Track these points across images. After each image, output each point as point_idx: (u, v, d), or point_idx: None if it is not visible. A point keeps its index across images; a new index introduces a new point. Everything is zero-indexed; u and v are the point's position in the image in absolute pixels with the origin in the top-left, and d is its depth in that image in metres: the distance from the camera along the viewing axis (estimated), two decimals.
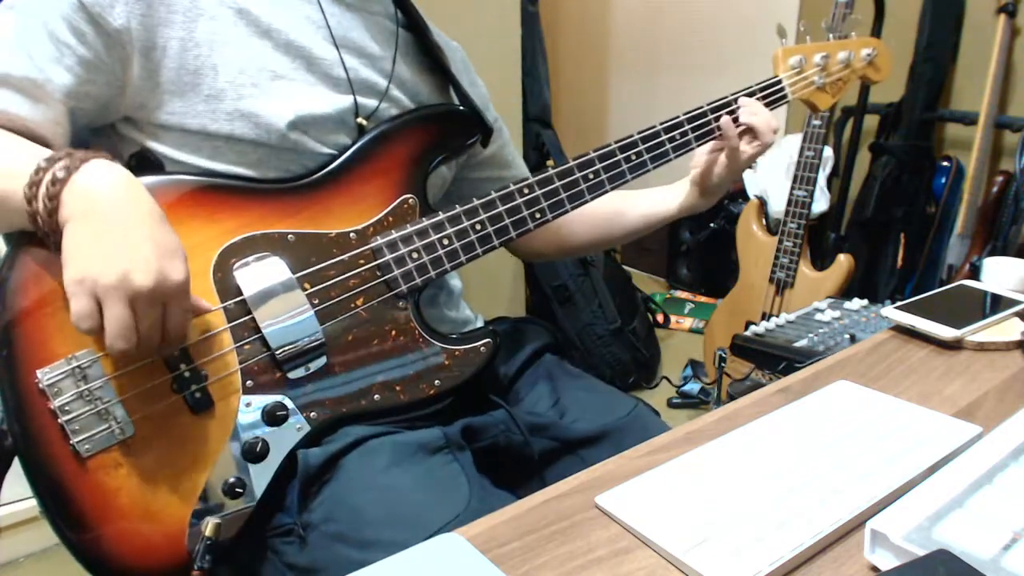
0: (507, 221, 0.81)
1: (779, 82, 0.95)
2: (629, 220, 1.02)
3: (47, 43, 0.68)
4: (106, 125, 0.75)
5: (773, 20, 2.62)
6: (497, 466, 0.79)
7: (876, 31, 1.98)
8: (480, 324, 0.95)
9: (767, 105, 0.93)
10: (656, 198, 1.01)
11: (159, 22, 0.70)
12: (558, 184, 0.83)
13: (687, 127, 0.89)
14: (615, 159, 0.86)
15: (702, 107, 0.90)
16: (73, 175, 0.62)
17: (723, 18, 2.80)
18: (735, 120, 0.89)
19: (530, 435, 0.82)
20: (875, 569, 0.48)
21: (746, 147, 0.90)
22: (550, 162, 2.52)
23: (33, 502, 0.64)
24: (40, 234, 0.63)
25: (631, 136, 0.87)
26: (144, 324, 0.61)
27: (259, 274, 0.71)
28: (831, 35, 0.99)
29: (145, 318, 0.61)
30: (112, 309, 0.60)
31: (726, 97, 0.91)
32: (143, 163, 0.74)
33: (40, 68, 0.68)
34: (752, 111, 0.90)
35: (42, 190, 0.61)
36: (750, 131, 0.90)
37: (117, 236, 0.60)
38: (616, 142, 0.86)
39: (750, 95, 0.92)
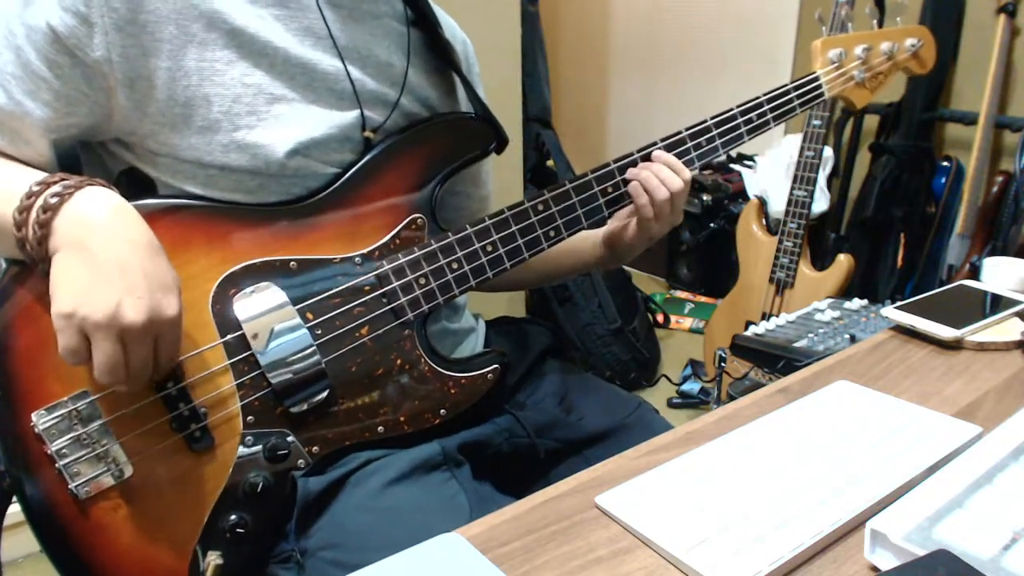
0: (520, 241, 0.77)
1: (816, 79, 0.89)
2: (559, 260, 0.95)
3: (22, 76, 0.64)
4: (95, 142, 0.73)
5: (773, 20, 2.63)
6: (501, 471, 0.79)
7: (880, 20, 1.98)
8: (482, 330, 0.93)
9: (803, 104, 0.88)
10: (584, 242, 0.93)
11: (144, 52, 0.65)
12: (575, 199, 0.79)
13: (714, 132, 0.85)
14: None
15: (733, 109, 0.86)
16: (65, 202, 0.59)
17: (723, 18, 2.80)
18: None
19: (537, 435, 0.81)
20: (875, 569, 0.48)
21: (648, 210, 0.81)
22: (550, 162, 2.52)
23: None
24: (28, 261, 0.61)
25: (654, 144, 0.83)
26: (134, 360, 0.59)
27: (259, 305, 0.68)
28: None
29: (135, 354, 0.59)
30: (101, 345, 0.57)
31: (729, 109, 0.86)
32: (133, 181, 0.71)
33: (17, 102, 0.65)
34: (643, 169, 0.81)
35: (32, 216, 0.59)
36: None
37: (108, 268, 0.57)
38: (639, 151, 0.82)
39: (783, 94, 0.88)
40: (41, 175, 0.62)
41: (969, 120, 2.13)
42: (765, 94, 0.88)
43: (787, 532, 0.50)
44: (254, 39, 0.69)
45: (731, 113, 0.86)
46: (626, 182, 0.82)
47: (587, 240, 0.94)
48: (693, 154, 0.85)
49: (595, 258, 0.93)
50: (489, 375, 0.77)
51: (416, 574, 0.48)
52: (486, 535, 0.53)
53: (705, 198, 2.64)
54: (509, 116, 2.00)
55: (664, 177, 0.81)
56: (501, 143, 0.83)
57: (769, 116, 0.88)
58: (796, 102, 0.89)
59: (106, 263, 0.58)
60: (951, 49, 2.18)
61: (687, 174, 0.82)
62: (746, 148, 2.66)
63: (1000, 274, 0.94)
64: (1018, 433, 0.57)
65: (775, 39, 2.64)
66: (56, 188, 0.60)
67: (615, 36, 3.25)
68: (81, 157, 0.76)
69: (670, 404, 2.17)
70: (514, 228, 0.77)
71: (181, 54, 0.67)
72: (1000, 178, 1.99)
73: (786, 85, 0.89)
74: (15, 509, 0.76)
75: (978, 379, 0.73)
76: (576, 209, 0.80)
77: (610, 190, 0.81)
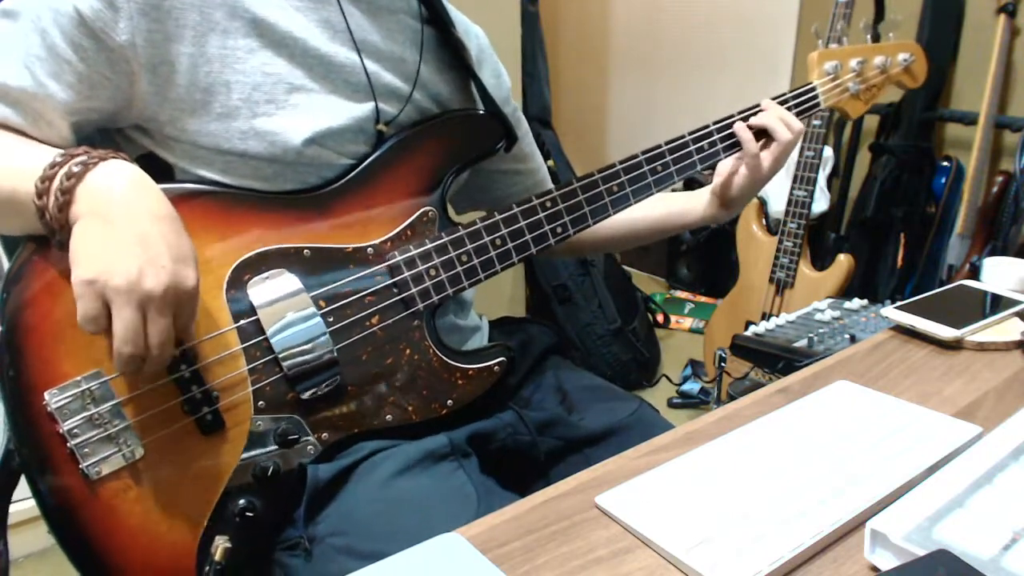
0: (528, 237, 0.79)
1: (812, 89, 0.92)
2: (644, 226, 0.99)
3: (47, 57, 0.65)
4: (113, 128, 0.74)
5: (772, 20, 2.63)
6: (503, 467, 0.79)
7: (876, 31, 1.98)
8: (485, 329, 0.94)
9: (799, 114, 0.90)
10: (674, 205, 0.98)
11: (167, 37, 0.67)
12: (581, 198, 0.81)
13: (716, 136, 0.87)
14: (641, 171, 0.84)
15: (732, 115, 0.88)
16: (90, 171, 0.60)
17: (723, 18, 2.80)
18: (749, 125, 0.87)
19: (538, 433, 0.81)
20: (875, 569, 0.48)
21: (765, 154, 0.87)
22: (550, 162, 2.52)
23: (33, 502, 0.63)
24: (47, 231, 0.61)
25: (658, 147, 0.84)
26: (154, 330, 0.59)
27: (273, 292, 0.69)
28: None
29: (155, 324, 0.59)
30: (121, 313, 0.58)
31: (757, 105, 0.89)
32: (151, 167, 0.71)
33: (41, 84, 0.66)
34: (766, 113, 0.88)
35: (56, 184, 0.60)
36: (767, 135, 0.88)
37: (130, 237, 0.58)
38: (643, 153, 0.84)
39: (782, 104, 0.90)
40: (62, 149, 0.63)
41: (969, 120, 2.13)
42: (772, 99, 0.90)
43: (787, 532, 0.50)
44: (275, 29, 0.71)
45: (733, 119, 0.88)
46: (634, 180, 0.83)
47: (685, 202, 0.97)
48: (696, 157, 0.86)
49: (704, 215, 0.96)
50: (496, 367, 0.78)
51: (416, 574, 0.48)
52: (486, 535, 0.53)
53: None
54: None
55: (789, 121, 0.87)
56: (511, 140, 0.84)
57: None
58: (794, 111, 0.91)
59: (128, 232, 0.58)
60: (951, 49, 2.18)
61: (800, 123, 0.89)
62: None
63: (1000, 274, 0.94)
64: (1018, 433, 0.58)
65: (775, 39, 2.64)
66: (81, 158, 0.61)
67: (615, 36, 3.25)
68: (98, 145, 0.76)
69: (670, 404, 2.18)
70: (522, 223, 0.79)
71: (204, 41, 0.68)
72: (1000, 178, 1.99)
73: (784, 94, 0.91)
74: (16, 509, 0.76)
75: (978, 379, 0.73)
76: (583, 207, 0.82)
77: (615, 189, 0.83)
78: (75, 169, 0.60)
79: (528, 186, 0.98)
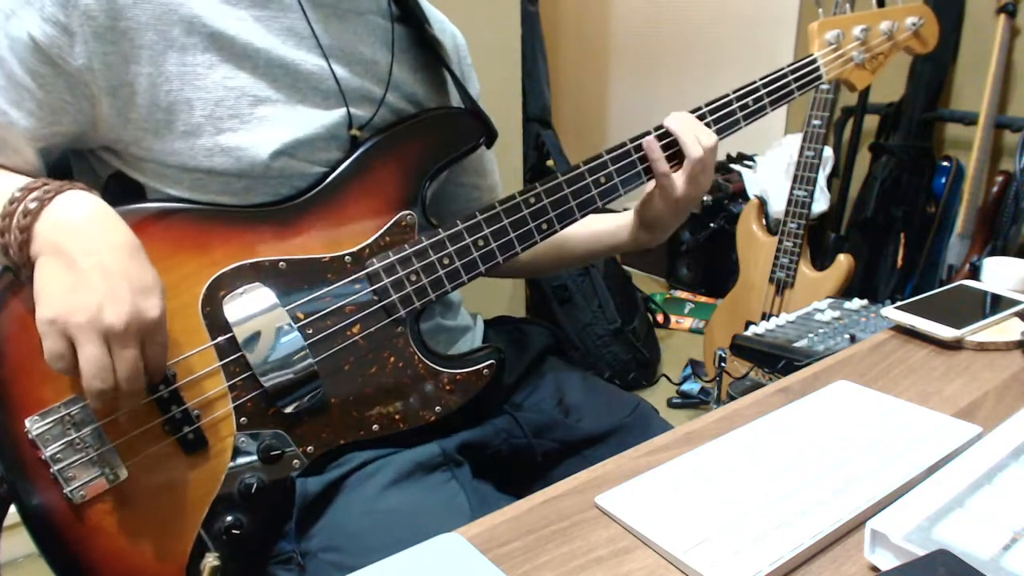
0: (512, 235, 0.77)
1: (813, 61, 0.88)
2: (577, 244, 0.94)
3: (6, 86, 0.65)
4: (84, 150, 0.73)
5: (773, 20, 2.63)
6: (501, 472, 0.78)
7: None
8: (480, 329, 0.93)
9: (800, 87, 0.86)
10: (608, 225, 0.92)
11: (124, 59, 0.65)
12: (567, 191, 0.78)
13: (709, 118, 0.84)
14: (630, 159, 0.81)
15: (729, 94, 0.85)
16: (45, 207, 0.59)
17: (723, 18, 2.80)
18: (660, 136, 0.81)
19: (535, 436, 0.80)
20: (875, 569, 0.48)
21: (678, 174, 0.81)
22: (550, 162, 2.52)
23: None
24: (12, 266, 0.61)
25: (648, 133, 0.82)
26: (121, 363, 0.59)
27: (249, 307, 0.67)
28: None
29: (121, 357, 0.58)
30: (85, 349, 0.57)
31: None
32: (121, 186, 0.71)
33: (2, 112, 0.65)
34: (678, 122, 0.80)
35: (14, 221, 0.59)
36: (678, 152, 0.81)
37: (89, 272, 0.58)
38: (631, 141, 0.81)
39: (780, 77, 0.86)
40: (24, 180, 0.62)
41: (969, 120, 2.13)
42: (761, 78, 0.87)
43: (787, 532, 0.50)
44: (235, 42, 0.69)
45: (727, 99, 0.85)
46: (622, 169, 0.81)
47: (616, 221, 0.92)
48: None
49: (630, 238, 0.91)
50: (484, 371, 0.76)
51: (416, 574, 0.48)
52: (486, 535, 0.53)
53: (705, 198, 2.64)
54: (509, 116, 2.00)
55: (698, 131, 0.80)
56: (491, 137, 0.82)
57: (766, 101, 0.87)
58: (793, 85, 0.88)
59: (86, 267, 0.58)
60: (951, 49, 2.18)
61: (714, 135, 0.82)
62: (746, 148, 2.66)
63: (1000, 274, 0.94)
64: (1018, 433, 0.58)
65: (775, 39, 2.64)
66: (36, 193, 0.60)
67: (615, 36, 3.25)
68: (72, 164, 0.76)
69: (670, 404, 2.18)
70: (506, 222, 0.77)
71: (162, 59, 0.67)
72: (1000, 178, 1.99)
73: (783, 68, 0.87)
74: (12, 510, 0.76)
75: (978, 379, 0.73)
76: (569, 201, 0.79)
77: (603, 180, 0.80)
78: (31, 206, 0.59)
79: (484, 203, 0.93)
